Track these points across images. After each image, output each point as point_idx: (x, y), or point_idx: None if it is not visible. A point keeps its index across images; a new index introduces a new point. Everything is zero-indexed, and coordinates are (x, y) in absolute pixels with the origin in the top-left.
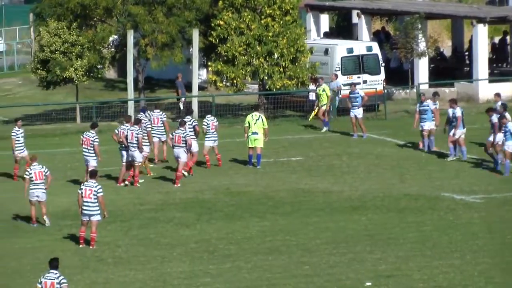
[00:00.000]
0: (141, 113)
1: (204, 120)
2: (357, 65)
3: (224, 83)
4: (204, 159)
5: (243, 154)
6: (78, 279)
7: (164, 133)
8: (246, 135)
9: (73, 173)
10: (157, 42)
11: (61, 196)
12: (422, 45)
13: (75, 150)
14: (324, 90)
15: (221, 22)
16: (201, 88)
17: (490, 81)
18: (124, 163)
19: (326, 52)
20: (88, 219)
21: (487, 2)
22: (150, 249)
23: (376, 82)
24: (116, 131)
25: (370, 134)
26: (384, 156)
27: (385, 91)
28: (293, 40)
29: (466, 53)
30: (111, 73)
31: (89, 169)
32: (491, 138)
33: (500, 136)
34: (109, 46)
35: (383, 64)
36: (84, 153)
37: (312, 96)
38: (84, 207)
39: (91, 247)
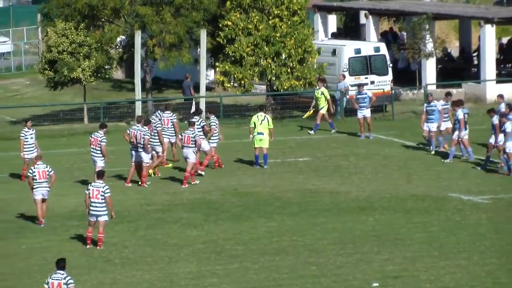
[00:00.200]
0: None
1: (212, 120)
2: (365, 65)
3: (232, 83)
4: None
5: (251, 155)
6: (85, 279)
7: (174, 134)
8: (251, 135)
9: (80, 174)
10: (164, 43)
11: (69, 197)
12: (429, 46)
13: (82, 151)
14: (322, 93)
15: (229, 23)
16: (208, 88)
17: (498, 82)
18: (133, 163)
19: (333, 52)
20: (95, 219)
21: (495, 3)
22: (157, 250)
23: (383, 82)
24: (128, 131)
25: (378, 135)
26: (391, 157)
27: (393, 91)
28: (301, 40)
29: (474, 54)
30: (118, 74)
31: (96, 170)
32: (492, 140)
33: (501, 137)
34: (117, 47)
35: (391, 65)
36: (91, 153)
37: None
38: (91, 208)
39: (98, 247)
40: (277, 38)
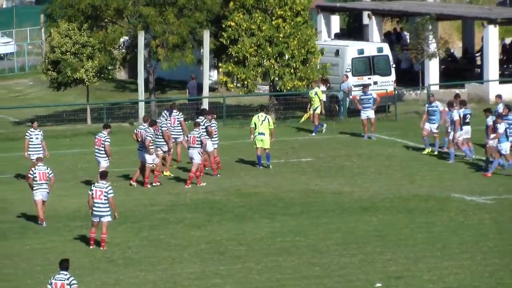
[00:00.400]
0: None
1: (213, 122)
2: (368, 66)
3: (235, 84)
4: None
5: (254, 155)
6: (89, 280)
7: (181, 133)
8: (252, 135)
9: (83, 174)
10: (168, 43)
11: (72, 197)
12: (432, 46)
13: (85, 151)
14: (316, 93)
15: (232, 23)
16: (211, 89)
17: (501, 82)
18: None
19: (337, 53)
20: (98, 220)
21: (498, 3)
22: (161, 250)
23: (386, 83)
24: (136, 130)
25: (381, 135)
26: (394, 157)
27: (396, 92)
28: (304, 41)
29: (477, 54)
30: (121, 74)
31: (100, 170)
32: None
33: (465, 130)
34: (120, 47)
35: (394, 65)
36: (95, 153)
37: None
38: (94, 208)
39: (101, 248)
40: (280, 38)
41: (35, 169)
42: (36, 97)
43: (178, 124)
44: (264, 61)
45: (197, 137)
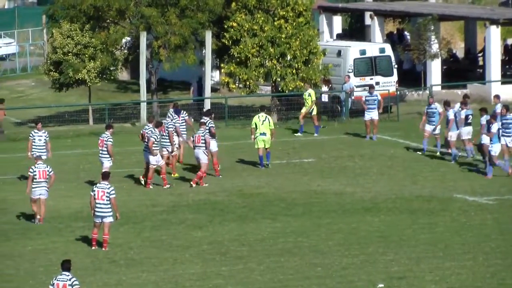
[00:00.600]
0: (175, 114)
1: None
2: (370, 66)
3: (237, 84)
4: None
5: (256, 156)
6: (91, 280)
7: (185, 133)
8: (252, 136)
9: (85, 175)
10: (170, 44)
11: (74, 198)
12: (434, 47)
13: (87, 152)
14: (310, 94)
15: (234, 24)
16: (213, 89)
17: (503, 83)
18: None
19: (339, 53)
20: (100, 221)
21: (500, 4)
22: (162, 251)
23: (388, 83)
24: (142, 131)
25: (383, 136)
26: (397, 158)
27: (398, 92)
28: (306, 41)
29: (479, 55)
30: (123, 75)
31: (103, 170)
32: (484, 141)
33: (465, 130)
34: (122, 48)
35: (396, 66)
36: (99, 154)
37: (324, 98)
38: (96, 209)
39: (103, 248)
40: (282, 39)
41: (35, 168)
42: (38, 97)
43: (182, 121)
44: (266, 61)
45: (202, 135)
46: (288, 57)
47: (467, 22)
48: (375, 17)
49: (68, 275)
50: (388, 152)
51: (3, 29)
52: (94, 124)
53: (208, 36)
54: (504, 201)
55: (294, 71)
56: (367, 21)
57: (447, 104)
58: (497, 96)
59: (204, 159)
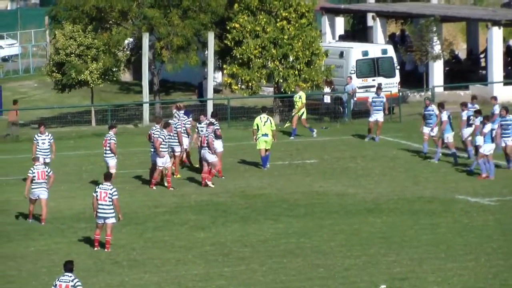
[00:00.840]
0: (184, 115)
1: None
2: (372, 68)
3: (239, 86)
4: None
5: (258, 157)
6: (93, 282)
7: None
8: (254, 137)
9: (88, 176)
10: (172, 45)
11: (76, 199)
12: (437, 48)
13: (90, 153)
14: (300, 97)
15: (237, 25)
16: (216, 91)
17: (505, 84)
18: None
19: (341, 55)
20: (103, 222)
21: (502, 5)
22: (165, 252)
23: (391, 85)
24: (149, 132)
25: (385, 137)
26: (399, 159)
27: (400, 94)
28: (308, 43)
29: (481, 56)
30: (126, 76)
31: (108, 170)
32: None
33: (467, 131)
34: (125, 49)
35: (398, 67)
36: (104, 155)
37: (327, 99)
38: (99, 210)
39: (106, 249)
40: (284, 40)
41: (34, 169)
42: (41, 99)
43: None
44: (269, 62)
45: (206, 136)
46: (291, 58)
47: (469, 23)
48: (377, 18)
49: (70, 276)
50: (390, 153)
51: (6, 30)
52: (96, 125)
53: (211, 37)
54: (506, 202)
55: (296, 72)
56: (370, 22)
57: (441, 106)
58: (494, 98)
59: (210, 158)
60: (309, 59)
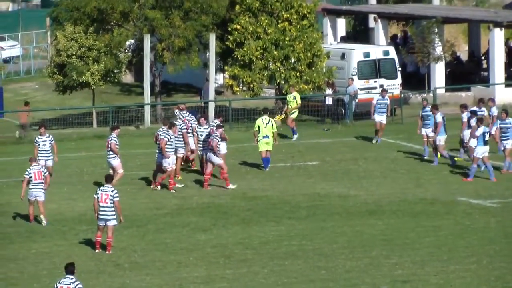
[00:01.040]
0: (192, 116)
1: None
2: (374, 69)
3: (241, 87)
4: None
5: (260, 159)
6: (94, 284)
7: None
8: (256, 138)
9: (89, 178)
10: (173, 47)
11: (78, 201)
12: (438, 50)
13: (91, 155)
14: (294, 97)
15: (238, 27)
16: (217, 92)
17: (507, 86)
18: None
19: (342, 56)
20: (104, 224)
21: (504, 6)
22: (166, 254)
23: (392, 86)
24: (156, 133)
25: (386, 139)
26: (400, 161)
27: (402, 95)
28: (310, 44)
29: (483, 57)
30: (127, 78)
31: (110, 172)
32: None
33: (468, 133)
34: (126, 51)
35: (400, 69)
36: (107, 156)
37: (328, 101)
38: (100, 212)
39: (107, 252)
40: (286, 41)
41: (30, 169)
42: (42, 100)
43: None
44: (270, 64)
45: (212, 139)
46: (292, 60)
47: (471, 25)
48: (379, 20)
49: (72, 278)
50: (391, 155)
51: (7, 32)
52: (98, 127)
53: (212, 39)
54: (507, 204)
55: (298, 73)
56: (371, 23)
57: (435, 108)
58: (492, 100)
59: (217, 160)
60: (311, 60)
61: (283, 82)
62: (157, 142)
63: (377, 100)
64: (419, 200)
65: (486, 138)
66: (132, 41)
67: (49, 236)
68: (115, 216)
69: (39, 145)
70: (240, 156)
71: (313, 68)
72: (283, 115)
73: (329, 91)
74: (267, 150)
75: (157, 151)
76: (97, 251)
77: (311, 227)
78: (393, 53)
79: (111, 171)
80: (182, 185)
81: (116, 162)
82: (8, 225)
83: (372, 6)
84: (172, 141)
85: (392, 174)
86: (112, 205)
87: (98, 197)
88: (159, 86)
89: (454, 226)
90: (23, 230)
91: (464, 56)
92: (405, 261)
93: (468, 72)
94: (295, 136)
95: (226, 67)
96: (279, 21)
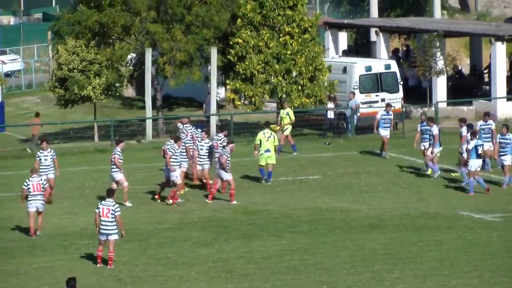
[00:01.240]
0: (199, 129)
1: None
2: (376, 83)
3: (242, 101)
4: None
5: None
6: None
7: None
8: (256, 152)
9: (90, 192)
10: (175, 60)
11: (79, 215)
12: (440, 63)
13: (92, 169)
14: (288, 113)
15: (240, 40)
16: (219, 106)
17: (508, 99)
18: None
19: (344, 70)
20: (105, 238)
21: (505, 20)
22: (168, 268)
23: (394, 100)
24: (163, 147)
25: (389, 153)
26: (402, 175)
27: (403, 109)
28: (312, 58)
29: (485, 71)
30: (129, 91)
31: (113, 185)
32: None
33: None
34: (127, 64)
35: (401, 82)
36: (110, 170)
37: (330, 115)
38: (101, 226)
39: (108, 266)
40: (287, 55)
41: (29, 181)
42: (43, 114)
43: (191, 137)
44: (272, 78)
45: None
46: (294, 74)
47: (473, 39)
48: (381, 34)
49: None
50: (393, 169)
51: (9, 46)
52: (99, 141)
53: (214, 53)
54: (509, 218)
55: (299, 87)
56: (373, 37)
57: (430, 120)
58: (487, 114)
59: (226, 176)
60: (312, 74)
61: (284, 96)
62: (165, 156)
63: (382, 115)
64: (421, 214)
65: (479, 152)
66: (134, 55)
67: (51, 250)
68: (116, 231)
69: (40, 159)
70: (242, 170)
71: (314, 82)
72: (278, 127)
73: (330, 105)
74: (271, 164)
75: (166, 165)
76: (98, 265)
77: (313, 241)
78: (394, 67)
79: (114, 185)
80: (182, 200)
81: (119, 176)
82: (9, 240)
83: (374, 20)
84: (177, 155)
85: (394, 188)
86: (113, 219)
87: (99, 212)
88: (160, 100)
89: (456, 241)
90: (24, 245)
91: (465, 70)
92: (407, 275)
93: (470, 86)
94: (295, 153)
95: (227, 81)
96: (281, 35)
